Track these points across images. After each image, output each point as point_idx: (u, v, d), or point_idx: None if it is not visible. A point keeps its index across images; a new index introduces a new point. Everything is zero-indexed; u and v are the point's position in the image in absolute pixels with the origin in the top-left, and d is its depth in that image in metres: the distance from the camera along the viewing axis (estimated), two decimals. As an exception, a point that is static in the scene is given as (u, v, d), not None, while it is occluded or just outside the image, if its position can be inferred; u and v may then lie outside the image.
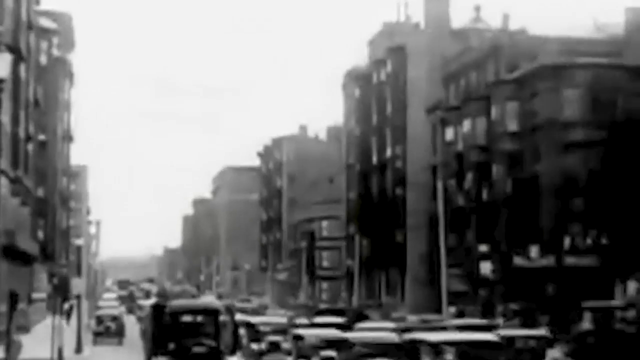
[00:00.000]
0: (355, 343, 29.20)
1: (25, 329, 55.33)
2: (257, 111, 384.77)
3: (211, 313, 34.93)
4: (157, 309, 36.34)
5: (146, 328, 40.23)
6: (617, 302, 50.39)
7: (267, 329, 41.15)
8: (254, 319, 44.68)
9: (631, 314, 42.25)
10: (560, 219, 61.33)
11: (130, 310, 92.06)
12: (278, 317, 50.83)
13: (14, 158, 54.54)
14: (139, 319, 78.19)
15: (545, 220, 62.15)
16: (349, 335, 32.10)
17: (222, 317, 35.36)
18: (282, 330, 40.74)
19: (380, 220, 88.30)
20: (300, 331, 35.32)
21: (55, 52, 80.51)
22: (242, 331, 41.10)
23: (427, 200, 77.69)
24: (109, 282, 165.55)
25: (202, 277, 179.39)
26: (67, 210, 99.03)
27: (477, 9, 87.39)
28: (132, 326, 66.31)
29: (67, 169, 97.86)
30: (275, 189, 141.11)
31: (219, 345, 34.13)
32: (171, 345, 33.75)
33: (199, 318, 34.78)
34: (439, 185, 65.84)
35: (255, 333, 40.89)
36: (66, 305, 56.89)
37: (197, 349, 33.84)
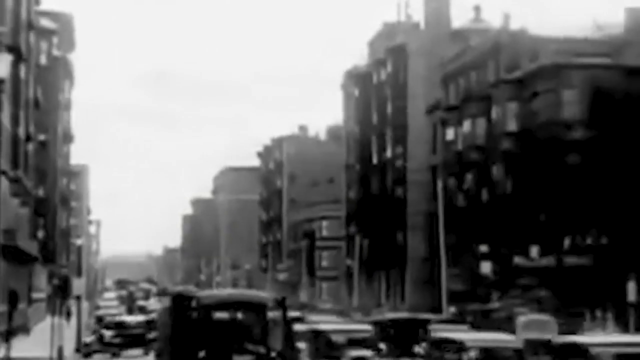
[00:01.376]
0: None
1: (25, 329, 55.40)
2: (257, 111, 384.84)
3: (257, 308, 26.56)
4: (180, 302, 27.59)
5: (163, 328, 31.74)
6: (494, 304, 53.79)
7: (342, 339, 31.88)
8: (324, 326, 34.43)
9: (501, 314, 45.26)
10: (560, 219, 61.31)
11: (130, 311, 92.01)
12: (358, 324, 40.46)
13: (14, 158, 54.53)
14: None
15: (545, 220, 62.15)
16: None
17: (272, 314, 26.73)
18: (365, 341, 31.78)
19: (380, 220, 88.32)
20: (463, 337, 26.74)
21: (55, 52, 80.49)
22: (302, 343, 32.40)
23: (427, 200, 77.71)
24: (108, 282, 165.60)
25: (202, 277, 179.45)
26: (67, 210, 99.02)
27: (477, 9, 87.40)
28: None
29: (67, 168, 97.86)
30: (275, 189, 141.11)
31: (269, 351, 25.74)
32: (201, 353, 25.36)
33: (240, 315, 26.42)
34: (439, 185, 65.90)
35: (327, 346, 31.76)
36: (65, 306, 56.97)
37: (239, 358, 25.57)
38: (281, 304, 26.97)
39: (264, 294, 29.68)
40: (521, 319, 41.67)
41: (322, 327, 33.80)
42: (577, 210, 61.86)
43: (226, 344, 25.47)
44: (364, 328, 34.66)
